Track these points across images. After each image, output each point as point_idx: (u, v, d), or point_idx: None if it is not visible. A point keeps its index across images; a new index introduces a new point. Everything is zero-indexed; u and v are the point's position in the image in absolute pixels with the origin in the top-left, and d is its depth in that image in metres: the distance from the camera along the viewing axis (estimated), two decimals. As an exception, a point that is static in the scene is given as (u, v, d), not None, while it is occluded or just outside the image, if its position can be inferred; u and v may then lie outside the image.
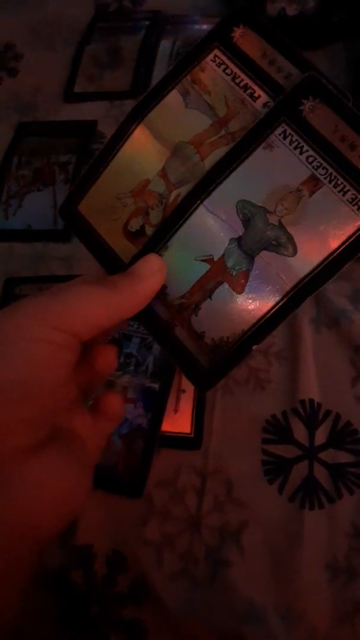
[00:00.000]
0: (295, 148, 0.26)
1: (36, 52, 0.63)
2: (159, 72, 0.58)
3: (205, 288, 0.28)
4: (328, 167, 0.26)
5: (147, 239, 0.28)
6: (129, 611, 0.36)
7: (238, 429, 0.40)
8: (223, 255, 0.27)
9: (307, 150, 0.26)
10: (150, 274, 0.26)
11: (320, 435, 0.40)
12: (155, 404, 0.40)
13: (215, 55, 0.28)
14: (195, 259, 0.28)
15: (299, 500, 0.38)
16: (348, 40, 0.57)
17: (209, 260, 0.28)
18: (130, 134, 0.28)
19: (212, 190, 0.27)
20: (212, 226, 0.27)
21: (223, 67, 0.28)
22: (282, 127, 0.26)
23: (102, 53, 0.61)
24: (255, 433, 0.40)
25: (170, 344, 0.28)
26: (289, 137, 0.26)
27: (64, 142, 0.54)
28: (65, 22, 0.65)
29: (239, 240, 0.27)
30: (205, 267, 0.28)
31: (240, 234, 0.27)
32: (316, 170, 0.26)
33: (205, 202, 0.27)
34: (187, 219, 0.28)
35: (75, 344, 0.24)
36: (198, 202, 0.27)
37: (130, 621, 0.36)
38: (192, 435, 0.40)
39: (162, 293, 0.28)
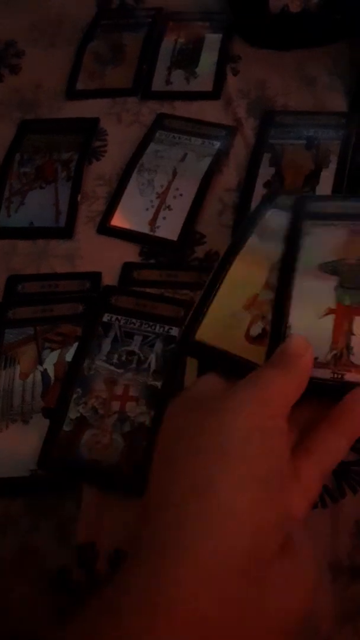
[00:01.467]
0: None
1: (38, 49, 0.63)
2: (161, 69, 0.58)
3: (343, 331, 0.30)
4: None
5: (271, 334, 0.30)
6: (131, 610, 0.36)
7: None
8: (338, 301, 0.30)
9: None
10: (304, 349, 0.27)
11: (324, 434, 0.39)
12: (158, 402, 0.40)
13: None
14: (319, 319, 0.30)
15: (302, 499, 0.37)
16: (352, 39, 0.56)
17: (330, 311, 0.30)
18: (230, 266, 0.33)
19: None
20: (316, 287, 0.31)
21: None
22: None
23: (104, 50, 0.60)
24: (258, 431, 0.40)
25: (345, 392, 0.29)
26: None
27: (66, 140, 0.54)
28: (67, 19, 0.65)
29: (340, 283, 0.31)
30: (331, 317, 0.30)
31: (339, 281, 0.31)
32: None
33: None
34: (293, 289, 0.31)
35: (287, 426, 0.25)
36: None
37: (133, 620, 0.35)
38: (195, 434, 0.39)
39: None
